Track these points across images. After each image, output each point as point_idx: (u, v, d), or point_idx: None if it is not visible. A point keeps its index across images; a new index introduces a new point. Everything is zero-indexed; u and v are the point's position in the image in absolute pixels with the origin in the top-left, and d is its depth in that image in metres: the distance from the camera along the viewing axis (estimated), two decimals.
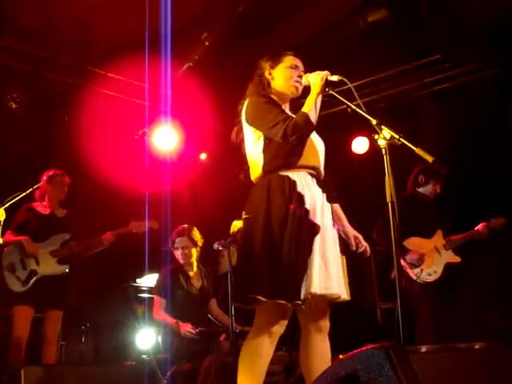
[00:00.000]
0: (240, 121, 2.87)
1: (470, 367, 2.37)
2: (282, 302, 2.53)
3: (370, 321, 5.43)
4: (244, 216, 2.76)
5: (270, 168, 2.73)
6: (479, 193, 5.25)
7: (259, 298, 2.54)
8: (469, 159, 5.19)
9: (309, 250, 2.60)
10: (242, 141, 2.89)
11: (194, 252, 4.52)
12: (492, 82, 5.74)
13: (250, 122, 2.80)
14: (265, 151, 2.74)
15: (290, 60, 2.88)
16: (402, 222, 4.56)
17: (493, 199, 5.22)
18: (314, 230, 2.64)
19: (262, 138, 2.76)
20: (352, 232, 2.88)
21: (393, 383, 1.69)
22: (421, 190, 4.69)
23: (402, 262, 4.47)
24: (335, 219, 2.86)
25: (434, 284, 4.47)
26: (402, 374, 1.70)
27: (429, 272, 4.46)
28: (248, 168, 2.87)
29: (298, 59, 2.91)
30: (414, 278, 4.43)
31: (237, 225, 5.35)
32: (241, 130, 2.88)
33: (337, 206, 2.90)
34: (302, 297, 2.53)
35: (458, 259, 4.58)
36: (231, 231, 5.19)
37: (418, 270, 4.45)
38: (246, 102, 2.85)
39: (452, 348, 2.91)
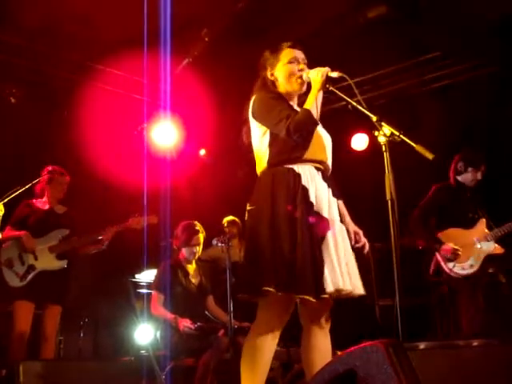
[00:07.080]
0: (248, 120, 2.85)
1: (468, 364, 2.37)
2: (307, 297, 2.49)
3: (369, 318, 5.43)
4: (248, 207, 2.74)
5: (275, 161, 2.73)
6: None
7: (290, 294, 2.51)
8: None
9: (322, 245, 2.59)
10: (251, 142, 2.87)
11: None
12: (492, 79, 5.73)
13: (256, 118, 2.80)
14: (271, 145, 2.74)
15: (287, 54, 2.85)
16: (440, 213, 4.41)
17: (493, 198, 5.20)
18: (324, 224, 2.62)
19: (268, 133, 2.75)
20: (353, 227, 2.88)
21: (391, 380, 1.69)
22: (460, 178, 4.50)
23: (438, 255, 4.33)
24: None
25: (470, 277, 4.26)
26: (400, 370, 1.70)
27: (463, 266, 4.26)
28: (247, 166, 2.86)
29: (297, 49, 2.87)
30: (448, 272, 4.28)
31: (227, 220, 5.41)
32: (250, 131, 2.86)
33: (340, 203, 2.89)
34: (327, 291, 2.51)
35: (500, 250, 4.30)
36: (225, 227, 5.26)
37: (451, 264, 4.28)
38: (253, 98, 2.84)
39: (451, 345, 2.91)
